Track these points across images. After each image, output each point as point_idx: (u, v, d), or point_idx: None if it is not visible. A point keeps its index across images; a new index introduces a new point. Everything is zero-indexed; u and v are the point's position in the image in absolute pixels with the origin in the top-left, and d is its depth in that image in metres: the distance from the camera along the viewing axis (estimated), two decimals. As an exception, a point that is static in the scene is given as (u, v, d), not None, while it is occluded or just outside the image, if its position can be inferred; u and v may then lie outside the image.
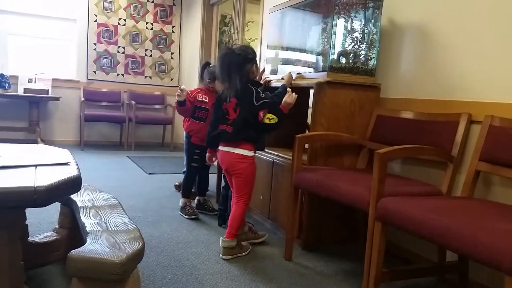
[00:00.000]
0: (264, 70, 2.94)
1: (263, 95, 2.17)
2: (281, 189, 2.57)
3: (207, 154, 2.42)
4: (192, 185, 3.01)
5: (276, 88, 2.48)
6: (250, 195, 2.25)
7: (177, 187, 3.52)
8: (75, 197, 1.88)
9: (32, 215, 2.46)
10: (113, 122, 5.96)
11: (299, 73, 2.53)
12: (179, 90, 2.69)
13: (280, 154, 2.61)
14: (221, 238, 2.21)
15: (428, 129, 2.09)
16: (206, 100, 2.86)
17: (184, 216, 2.81)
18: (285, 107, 2.16)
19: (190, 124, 2.92)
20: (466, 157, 1.96)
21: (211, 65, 2.98)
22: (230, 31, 5.38)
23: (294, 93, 2.19)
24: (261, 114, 2.13)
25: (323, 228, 2.39)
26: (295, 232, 2.27)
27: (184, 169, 3.03)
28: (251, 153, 2.20)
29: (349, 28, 2.34)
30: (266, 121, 2.13)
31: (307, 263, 2.18)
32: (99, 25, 5.93)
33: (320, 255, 2.29)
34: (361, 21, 2.36)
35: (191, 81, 5.88)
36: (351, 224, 2.48)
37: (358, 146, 2.41)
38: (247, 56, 2.18)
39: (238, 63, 2.15)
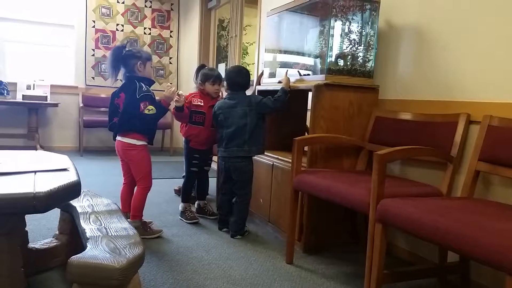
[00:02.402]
0: (262, 73, 2.95)
1: (146, 89, 2.32)
2: (281, 192, 2.57)
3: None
4: (192, 190, 3.00)
5: (276, 91, 2.49)
6: (147, 179, 2.42)
7: (177, 192, 3.51)
8: (74, 202, 1.88)
9: (32, 221, 2.45)
10: (112, 128, 5.95)
11: (299, 72, 2.53)
12: (177, 96, 2.58)
13: (280, 157, 2.61)
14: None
15: (427, 130, 2.09)
16: (202, 104, 2.78)
17: (185, 220, 2.80)
18: (165, 100, 2.40)
19: (188, 129, 2.85)
20: (465, 158, 1.96)
21: (205, 67, 2.96)
22: (228, 35, 5.40)
23: (174, 87, 2.42)
24: (141, 105, 2.30)
25: (324, 230, 2.39)
26: (295, 235, 2.26)
27: (184, 174, 3.02)
28: (139, 142, 2.38)
29: (346, 30, 2.35)
30: (146, 111, 2.30)
31: (308, 266, 2.18)
32: (97, 30, 5.94)
33: (321, 258, 2.29)
34: (358, 23, 2.37)
35: (189, 85, 5.88)
36: (351, 226, 2.48)
37: (357, 148, 2.41)
38: (134, 53, 2.36)
39: (122, 57, 2.33)
